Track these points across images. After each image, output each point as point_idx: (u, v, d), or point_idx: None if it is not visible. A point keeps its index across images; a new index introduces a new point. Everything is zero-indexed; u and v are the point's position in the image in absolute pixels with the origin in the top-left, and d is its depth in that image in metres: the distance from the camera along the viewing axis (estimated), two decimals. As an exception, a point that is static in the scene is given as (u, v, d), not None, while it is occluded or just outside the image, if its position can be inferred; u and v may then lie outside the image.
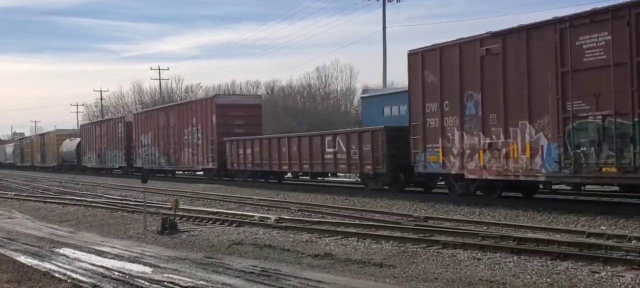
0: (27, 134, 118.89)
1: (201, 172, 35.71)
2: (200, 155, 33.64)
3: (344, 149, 23.09)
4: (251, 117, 33.04)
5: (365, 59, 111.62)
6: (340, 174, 27.81)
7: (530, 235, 11.97)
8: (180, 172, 39.97)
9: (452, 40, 18.28)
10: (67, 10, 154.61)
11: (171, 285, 9.30)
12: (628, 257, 9.70)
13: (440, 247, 11.33)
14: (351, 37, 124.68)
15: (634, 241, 10.87)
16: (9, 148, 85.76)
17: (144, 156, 40.84)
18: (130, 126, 42.98)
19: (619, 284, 8.45)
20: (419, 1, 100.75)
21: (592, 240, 11.12)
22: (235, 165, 30.24)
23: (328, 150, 23.99)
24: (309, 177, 28.64)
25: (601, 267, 9.27)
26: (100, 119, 62.83)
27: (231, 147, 30.54)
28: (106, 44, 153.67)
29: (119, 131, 44.75)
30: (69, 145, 57.92)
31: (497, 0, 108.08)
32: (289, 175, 29.32)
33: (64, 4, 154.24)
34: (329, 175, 27.14)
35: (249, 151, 28.99)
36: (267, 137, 29.20)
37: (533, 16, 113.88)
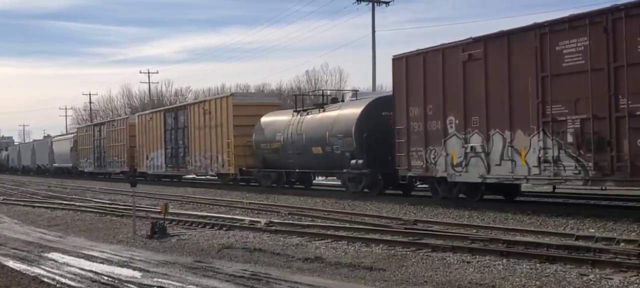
0: (16, 139, 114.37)
1: None
2: None
3: None
4: None
5: (355, 63, 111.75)
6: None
7: (519, 238, 12.01)
8: None
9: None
10: (52, 14, 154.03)
11: (161, 289, 9.27)
12: (616, 260, 9.75)
13: (429, 250, 11.35)
14: (340, 40, 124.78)
15: (622, 244, 10.93)
16: (61, 145, 53.86)
17: None
18: None
19: (607, 286, 8.50)
20: (406, 5, 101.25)
21: (581, 243, 11.17)
22: None
23: None
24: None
25: (590, 270, 9.32)
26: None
27: None
28: (93, 47, 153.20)
29: None
30: (306, 123, 24.04)
31: (483, 4, 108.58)
32: None
33: (49, 8, 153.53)
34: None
35: None
36: None
37: (517, 20, 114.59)
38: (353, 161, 21.52)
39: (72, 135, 53.74)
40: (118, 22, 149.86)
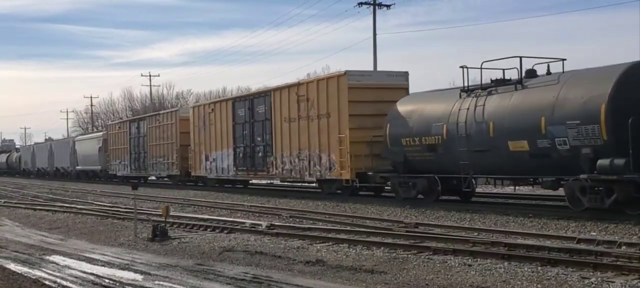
0: (17, 142, 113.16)
1: None
2: None
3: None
4: None
5: (356, 66, 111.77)
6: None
7: (520, 241, 12.00)
8: None
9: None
10: (53, 17, 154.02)
11: (162, 292, 9.27)
12: (618, 263, 9.73)
13: (431, 253, 11.35)
14: (342, 43, 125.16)
15: (624, 247, 10.93)
16: (87, 144, 47.02)
17: None
18: None
19: (608, 290, 8.49)
20: (405, 9, 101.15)
21: (582, 246, 11.16)
22: None
23: None
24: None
25: (591, 273, 9.31)
26: None
27: None
28: (94, 50, 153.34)
29: None
30: (494, 107, 16.98)
31: (481, 8, 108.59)
32: None
33: (49, 11, 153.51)
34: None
35: None
36: None
37: (516, 23, 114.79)
38: (601, 161, 14.19)
39: (101, 133, 47.25)
40: (118, 26, 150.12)
